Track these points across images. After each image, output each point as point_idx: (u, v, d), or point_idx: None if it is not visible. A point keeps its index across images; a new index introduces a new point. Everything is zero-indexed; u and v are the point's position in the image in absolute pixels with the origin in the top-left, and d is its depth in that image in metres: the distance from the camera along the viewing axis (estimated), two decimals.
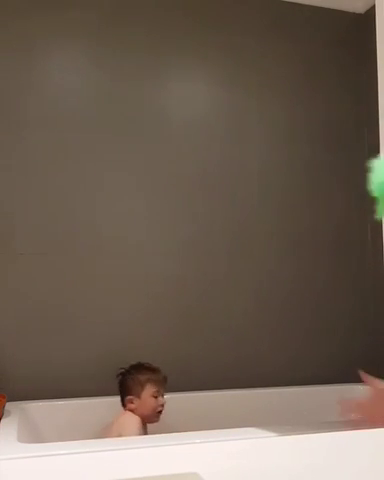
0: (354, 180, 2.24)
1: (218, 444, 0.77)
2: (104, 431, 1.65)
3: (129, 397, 1.69)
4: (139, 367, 1.74)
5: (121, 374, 1.74)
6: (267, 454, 0.70)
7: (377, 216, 1.04)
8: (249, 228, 2.17)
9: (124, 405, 1.71)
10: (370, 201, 1.06)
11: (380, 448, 0.72)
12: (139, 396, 1.69)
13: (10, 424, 1.52)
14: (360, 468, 0.64)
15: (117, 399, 1.73)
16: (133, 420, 1.65)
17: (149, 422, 1.70)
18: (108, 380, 1.91)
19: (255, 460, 0.68)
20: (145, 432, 1.68)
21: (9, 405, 1.66)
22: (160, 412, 1.69)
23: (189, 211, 2.11)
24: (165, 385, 1.72)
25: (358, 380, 2.11)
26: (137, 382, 1.69)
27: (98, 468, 0.64)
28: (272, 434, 1.33)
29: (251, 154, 2.19)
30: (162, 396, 1.71)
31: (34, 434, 1.63)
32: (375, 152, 1.57)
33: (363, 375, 1.33)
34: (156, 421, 1.69)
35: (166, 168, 2.10)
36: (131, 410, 1.68)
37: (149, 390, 1.69)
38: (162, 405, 1.69)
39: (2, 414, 1.60)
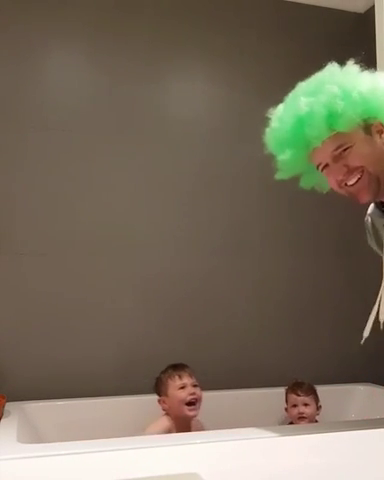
0: None
1: (218, 444, 0.77)
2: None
3: (159, 398, 1.70)
4: (165, 369, 1.74)
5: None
6: (267, 454, 0.70)
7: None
8: (250, 226, 2.17)
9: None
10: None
11: (379, 448, 0.72)
12: (167, 394, 1.68)
13: (10, 424, 1.52)
14: (360, 468, 0.64)
15: (117, 399, 1.72)
16: (158, 421, 1.65)
17: (185, 417, 1.66)
18: (108, 380, 1.91)
19: (255, 460, 0.68)
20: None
21: (9, 405, 1.66)
22: (192, 403, 1.66)
23: (189, 210, 2.11)
24: (191, 376, 1.70)
25: (358, 380, 2.14)
26: (160, 382, 1.71)
27: (98, 468, 0.64)
28: (272, 434, 1.33)
29: (251, 153, 2.18)
30: (193, 386, 1.68)
31: (34, 434, 1.63)
32: None
33: None
34: (191, 415, 1.66)
35: (166, 168, 2.10)
36: (165, 410, 1.68)
37: (173, 384, 1.68)
38: (193, 394, 1.66)
39: (2, 414, 1.60)
